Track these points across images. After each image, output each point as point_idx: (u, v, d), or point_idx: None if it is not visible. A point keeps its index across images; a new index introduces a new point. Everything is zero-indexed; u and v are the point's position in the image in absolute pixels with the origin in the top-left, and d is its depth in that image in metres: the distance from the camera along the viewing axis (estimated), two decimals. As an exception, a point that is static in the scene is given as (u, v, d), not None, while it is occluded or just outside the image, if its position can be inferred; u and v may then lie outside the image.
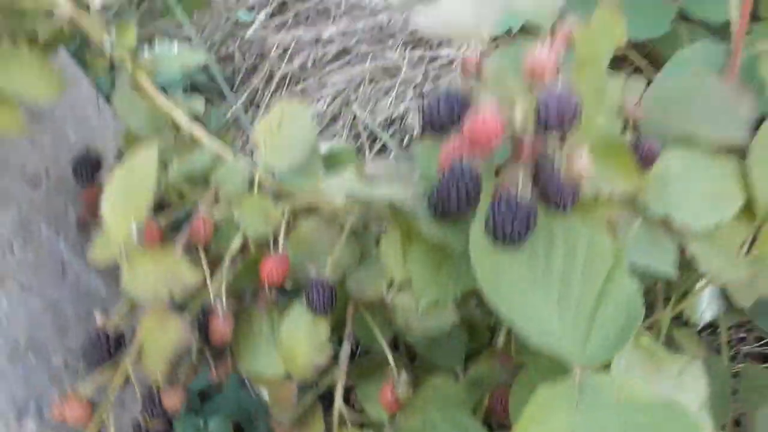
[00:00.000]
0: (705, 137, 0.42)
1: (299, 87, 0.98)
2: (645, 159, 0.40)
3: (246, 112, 0.97)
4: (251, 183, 0.49)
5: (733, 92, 0.44)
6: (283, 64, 1.00)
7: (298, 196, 0.50)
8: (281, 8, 1.11)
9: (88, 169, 0.57)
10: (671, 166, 0.42)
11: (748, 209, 0.44)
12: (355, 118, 0.87)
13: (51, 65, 0.45)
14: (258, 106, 0.97)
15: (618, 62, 0.88)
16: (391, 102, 0.86)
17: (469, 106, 0.36)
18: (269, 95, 0.97)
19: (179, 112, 0.51)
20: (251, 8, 1.13)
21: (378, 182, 0.47)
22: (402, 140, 0.84)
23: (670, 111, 0.45)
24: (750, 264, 0.45)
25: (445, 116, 0.35)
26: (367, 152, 0.85)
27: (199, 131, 0.51)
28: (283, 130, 0.49)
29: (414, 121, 0.83)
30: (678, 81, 0.47)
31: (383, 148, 0.85)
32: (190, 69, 0.54)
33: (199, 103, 0.53)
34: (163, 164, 0.53)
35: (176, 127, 0.52)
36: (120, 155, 0.59)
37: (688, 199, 0.42)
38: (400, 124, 0.85)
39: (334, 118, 0.89)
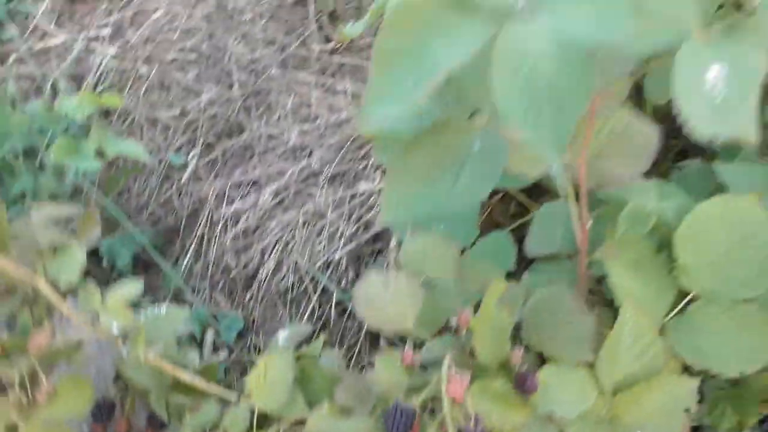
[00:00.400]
0: (567, 357, 0.62)
1: (241, 228, 1.11)
2: (529, 390, 0.59)
3: (197, 261, 1.10)
4: (251, 422, 0.65)
5: (582, 316, 0.63)
6: (222, 209, 1.13)
7: (287, 419, 0.66)
8: (208, 148, 1.23)
9: (105, 413, 0.70)
10: (548, 379, 0.62)
11: (602, 393, 0.64)
12: (296, 263, 1.02)
13: (86, 387, 0.58)
14: (206, 255, 1.10)
15: (504, 200, 1.08)
16: (324, 246, 1.02)
17: (415, 417, 0.53)
18: (215, 243, 1.10)
19: (182, 372, 0.66)
20: (179, 149, 1.25)
21: (348, 413, 0.64)
22: (339, 282, 1.01)
23: (542, 333, 0.64)
24: (609, 426, 0.65)
25: (401, 429, 0.52)
26: (312, 295, 1.01)
27: (202, 383, 0.66)
28: (269, 377, 0.65)
29: (349, 266, 1.00)
30: (544, 297, 0.67)
31: (325, 290, 1.01)
32: (182, 330, 0.68)
33: (195, 356, 0.68)
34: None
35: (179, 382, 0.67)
36: (123, 393, 0.73)
37: (562, 399, 0.62)
38: (337, 267, 1.01)
39: (278, 266, 1.04)
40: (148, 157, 0.95)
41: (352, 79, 1.36)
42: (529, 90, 0.44)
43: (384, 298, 0.59)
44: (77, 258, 0.59)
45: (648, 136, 0.66)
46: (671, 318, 0.71)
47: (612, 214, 0.77)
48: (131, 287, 0.61)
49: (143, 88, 1.32)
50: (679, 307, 0.71)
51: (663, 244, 0.75)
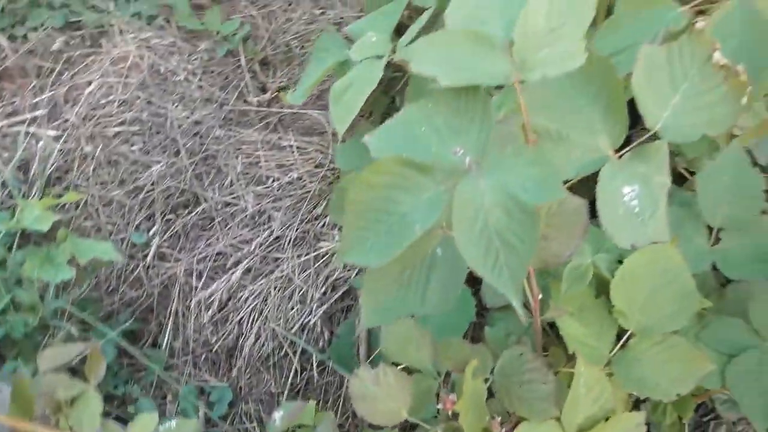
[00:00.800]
0: (536, 416, 0.73)
1: (214, 302, 1.17)
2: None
3: (176, 338, 1.16)
4: None
5: (544, 375, 0.74)
6: (193, 284, 1.18)
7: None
8: (167, 223, 1.28)
9: None
10: (524, 436, 0.73)
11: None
12: (274, 330, 1.10)
13: None
14: (184, 331, 1.16)
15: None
16: (297, 310, 1.10)
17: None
18: (191, 319, 1.15)
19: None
20: (138, 226, 1.28)
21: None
22: (317, 342, 1.09)
23: (512, 394, 0.75)
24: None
25: None
26: (292, 358, 1.08)
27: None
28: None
29: (323, 326, 1.08)
30: (509, 360, 0.77)
31: (304, 351, 1.09)
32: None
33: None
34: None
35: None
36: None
37: (536, 450, 0.73)
38: (312, 330, 1.09)
39: (257, 334, 1.11)
40: (119, 256, 1.00)
41: (295, 132, 1.43)
42: (485, 239, 0.53)
43: (377, 395, 0.68)
44: (95, 406, 0.65)
45: (579, 209, 0.76)
46: (615, 354, 0.83)
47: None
48: (148, 421, 0.67)
49: (91, 168, 1.34)
50: (621, 343, 0.84)
51: (600, 290, 0.87)
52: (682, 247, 0.89)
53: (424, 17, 0.99)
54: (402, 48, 0.97)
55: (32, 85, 1.49)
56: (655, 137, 0.60)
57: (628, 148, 0.60)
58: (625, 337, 0.84)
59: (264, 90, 1.57)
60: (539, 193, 0.51)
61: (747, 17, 0.65)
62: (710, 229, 0.90)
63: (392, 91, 1.30)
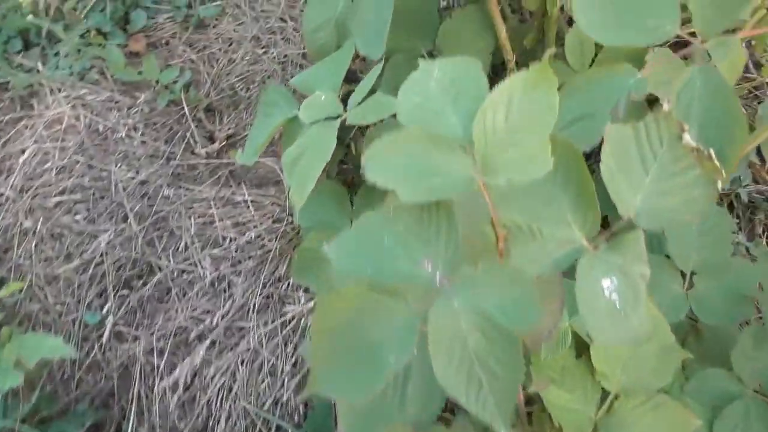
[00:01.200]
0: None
1: (179, 382, 1.11)
2: None
3: (141, 424, 1.09)
4: None
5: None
6: (154, 363, 1.12)
7: None
8: (121, 298, 1.20)
9: None
10: None
11: None
12: (245, 408, 1.04)
13: None
14: (149, 416, 1.09)
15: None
16: (268, 384, 1.04)
17: None
18: (156, 402, 1.09)
19: None
20: (90, 304, 1.21)
21: None
22: (292, 417, 1.04)
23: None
24: None
25: None
26: (267, 436, 1.03)
27: None
28: None
29: (297, 402, 1.03)
30: None
31: (279, 427, 1.04)
32: None
33: None
34: None
35: None
36: None
37: None
38: (286, 404, 1.04)
39: (227, 414, 1.05)
40: (72, 350, 0.93)
41: (248, 185, 1.37)
42: (466, 367, 0.49)
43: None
44: None
45: (554, 282, 0.73)
46: (601, 417, 0.81)
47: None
48: None
49: (33, 244, 1.26)
50: (606, 405, 0.81)
51: (581, 350, 0.84)
52: (658, 295, 0.87)
53: (374, 74, 0.94)
54: (353, 109, 0.93)
55: (-40, 157, 1.39)
56: (630, 224, 0.57)
57: (603, 236, 0.57)
58: (609, 399, 0.82)
59: (212, 139, 1.50)
60: (517, 316, 0.48)
61: (709, 82, 0.62)
62: (684, 274, 0.89)
63: (347, 139, 1.26)
